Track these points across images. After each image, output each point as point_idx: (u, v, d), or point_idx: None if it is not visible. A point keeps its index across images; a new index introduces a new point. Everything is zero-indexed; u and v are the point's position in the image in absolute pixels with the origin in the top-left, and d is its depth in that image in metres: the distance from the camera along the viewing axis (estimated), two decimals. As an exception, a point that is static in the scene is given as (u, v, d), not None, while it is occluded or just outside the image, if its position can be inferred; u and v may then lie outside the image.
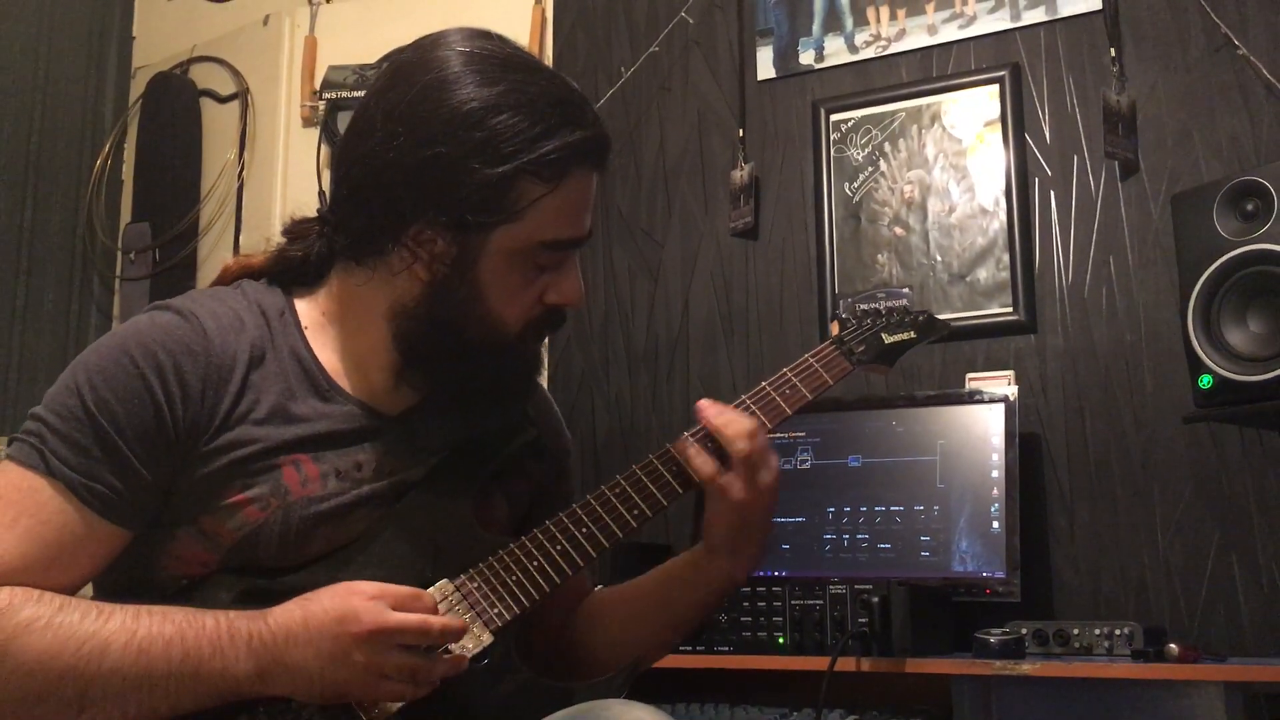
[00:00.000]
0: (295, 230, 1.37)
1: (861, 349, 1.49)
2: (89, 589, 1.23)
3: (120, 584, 1.23)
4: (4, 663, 1.11)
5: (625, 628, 1.44)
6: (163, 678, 1.13)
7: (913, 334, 1.56)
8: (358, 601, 1.16)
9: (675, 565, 1.42)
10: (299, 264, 1.34)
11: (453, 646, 1.23)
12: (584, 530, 1.30)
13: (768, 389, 1.40)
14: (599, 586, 1.54)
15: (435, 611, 1.20)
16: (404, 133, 1.23)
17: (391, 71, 1.30)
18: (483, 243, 1.24)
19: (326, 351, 1.31)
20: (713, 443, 1.31)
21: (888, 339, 1.53)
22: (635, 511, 1.31)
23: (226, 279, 1.37)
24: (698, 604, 1.41)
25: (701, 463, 1.30)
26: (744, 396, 1.40)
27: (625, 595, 1.47)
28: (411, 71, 1.27)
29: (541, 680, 1.29)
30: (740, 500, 1.30)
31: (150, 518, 1.22)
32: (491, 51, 1.27)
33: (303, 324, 1.32)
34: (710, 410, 1.33)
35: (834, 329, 1.52)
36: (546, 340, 1.39)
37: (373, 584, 1.18)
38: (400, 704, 1.19)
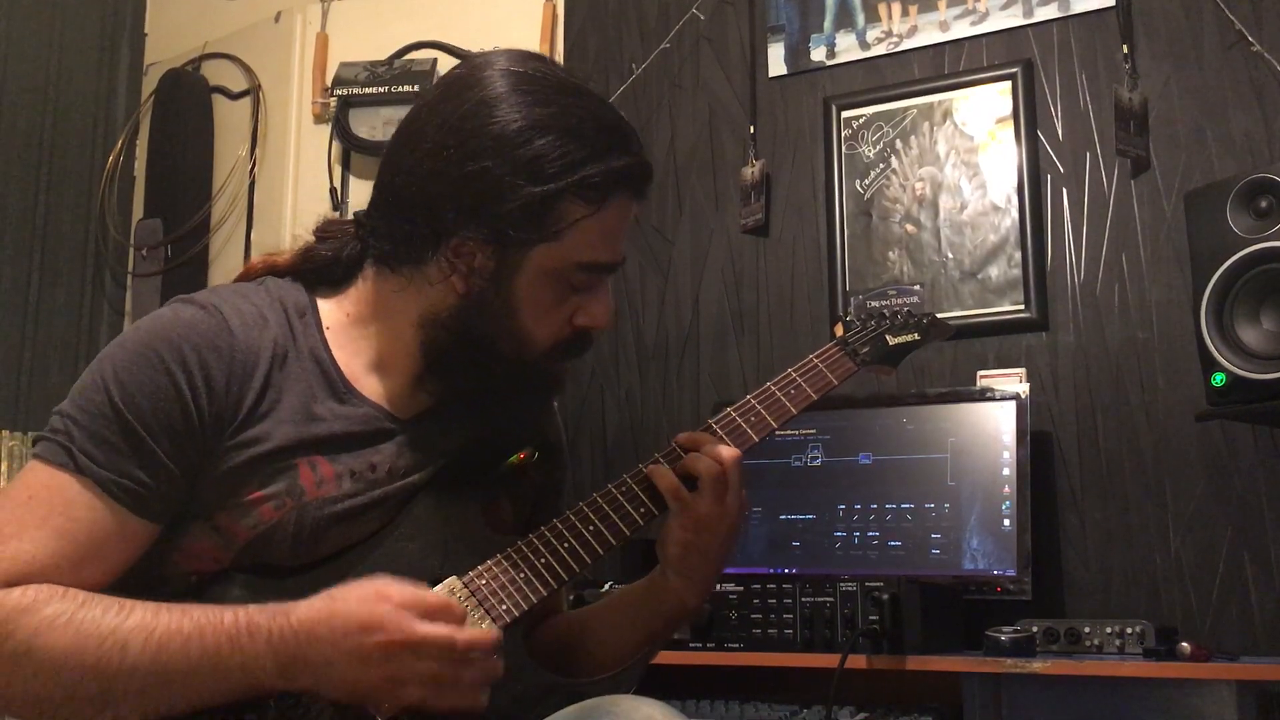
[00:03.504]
0: (327, 230, 1.38)
1: (866, 350, 1.51)
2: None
3: (131, 579, 1.23)
4: (28, 660, 1.11)
5: (581, 648, 1.43)
6: (182, 673, 1.13)
7: (916, 336, 1.57)
8: (385, 609, 1.15)
9: (632, 588, 1.43)
10: (327, 264, 1.35)
11: None
12: (591, 528, 1.31)
13: (773, 389, 1.42)
14: (609, 585, 1.54)
15: (464, 621, 1.19)
16: (453, 146, 1.25)
17: (444, 86, 1.32)
18: (521, 259, 1.26)
19: (346, 354, 1.32)
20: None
21: (892, 340, 1.54)
22: (642, 510, 1.32)
23: (250, 276, 1.37)
24: (647, 628, 1.39)
25: (660, 475, 1.32)
26: (749, 397, 1.42)
27: (582, 618, 1.47)
28: (464, 88, 1.28)
29: (550, 676, 1.29)
30: (699, 516, 1.32)
31: (177, 511, 1.22)
32: (543, 74, 1.29)
33: (324, 325, 1.32)
34: (688, 442, 1.35)
35: (838, 330, 1.53)
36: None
37: (403, 591, 1.17)
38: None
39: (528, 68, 1.29)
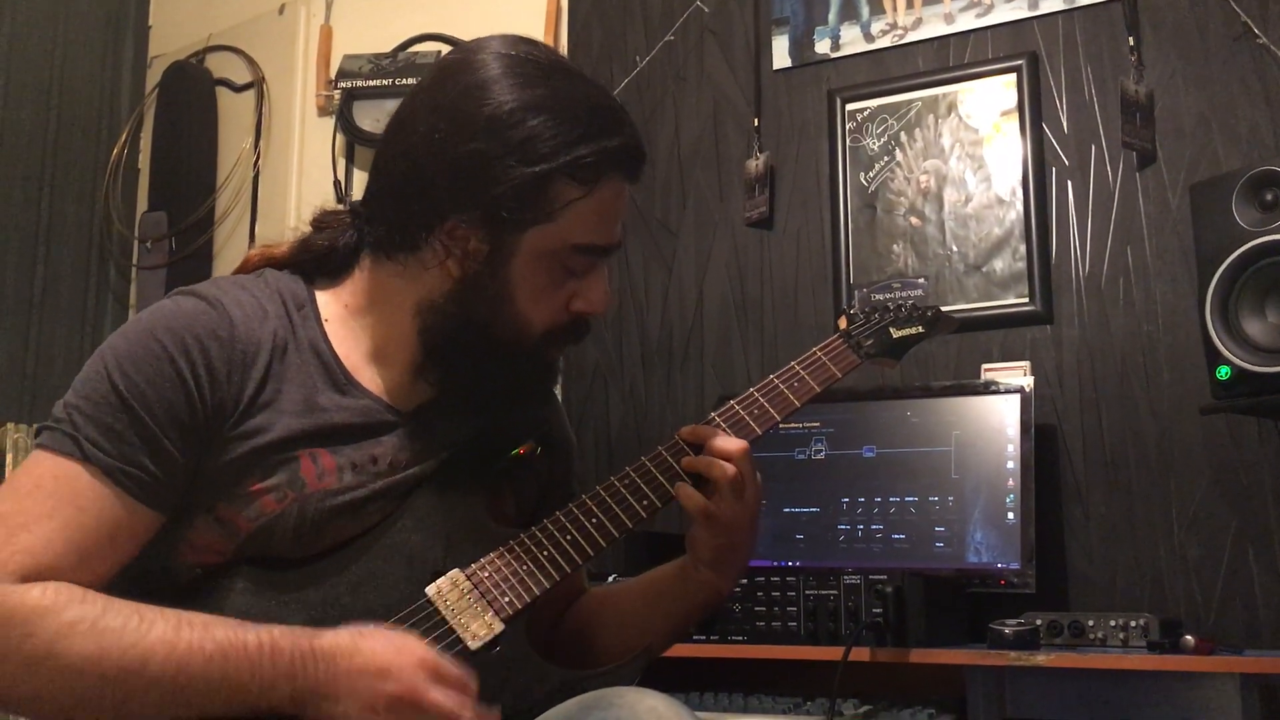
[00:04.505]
0: (323, 221, 1.39)
1: (869, 343, 1.51)
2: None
3: (136, 572, 1.23)
4: (49, 663, 1.11)
5: (613, 631, 1.45)
6: (199, 693, 1.12)
7: (920, 329, 1.57)
8: (404, 661, 1.15)
9: (661, 575, 1.44)
10: (324, 254, 1.36)
11: (464, 634, 1.23)
12: (594, 520, 1.31)
13: (775, 381, 1.42)
14: (613, 577, 1.55)
15: (475, 697, 1.19)
16: (445, 129, 1.25)
17: (436, 71, 1.33)
18: (516, 242, 1.26)
19: (345, 345, 1.32)
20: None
21: (895, 333, 1.54)
22: (645, 502, 1.32)
23: (249, 268, 1.38)
24: (681, 615, 1.42)
25: (687, 496, 1.33)
26: (752, 389, 1.42)
27: (613, 600, 1.49)
28: (455, 72, 1.29)
29: (553, 668, 1.29)
30: (726, 521, 1.33)
31: (181, 501, 1.22)
32: (534, 57, 1.30)
33: (323, 316, 1.33)
34: (691, 436, 1.36)
35: (842, 323, 1.53)
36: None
37: (428, 653, 1.17)
38: None
39: (519, 51, 1.29)
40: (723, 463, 1.32)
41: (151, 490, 1.19)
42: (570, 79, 1.29)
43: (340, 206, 1.40)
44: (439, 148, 1.25)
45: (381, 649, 1.16)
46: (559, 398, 1.56)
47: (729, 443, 1.34)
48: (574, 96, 1.27)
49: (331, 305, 1.34)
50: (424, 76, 1.35)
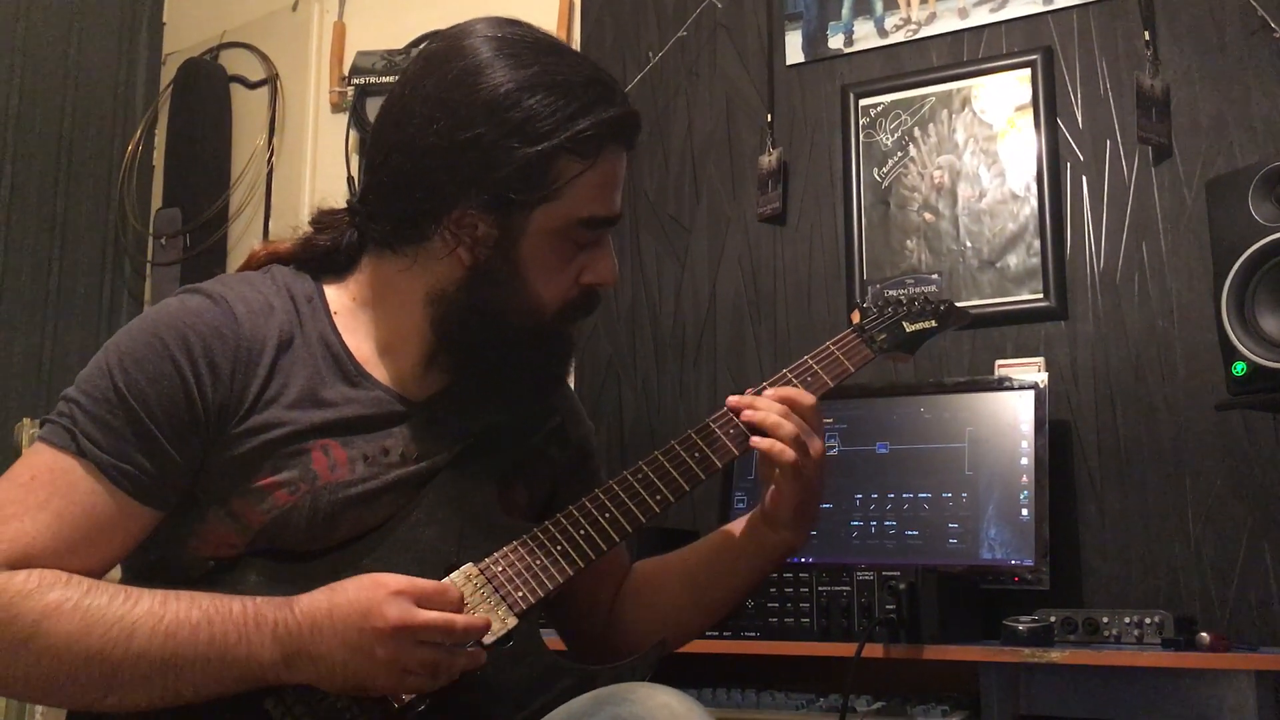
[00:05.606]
0: (322, 220, 1.39)
1: (883, 337, 1.51)
2: (116, 570, 1.24)
3: (148, 565, 1.24)
4: (32, 644, 1.12)
5: (677, 598, 1.46)
6: (188, 661, 1.13)
7: (933, 323, 1.57)
8: (383, 595, 1.16)
9: (729, 539, 1.46)
10: (327, 253, 1.36)
11: None
12: (608, 515, 1.31)
13: (789, 376, 1.42)
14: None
15: (461, 606, 1.21)
16: (442, 117, 1.25)
17: (424, 61, 1.32)
18: (524, 222, 1.26)
19: (355, 338, 1.32)
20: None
21: (909, 327, 1.54)
22: (659, 497, 1.33)
23: (254, 264, 1.38)
24: (757, 573, 1.45)
25: (770, 445, 1.35)
26: (765, 384, 1.41)
27: (676, 566, 1.50)
28: (445, 59, 1.29)
29: (566, 663, 1.29)
30: (809, 476, 1.36)
31: (180, 499, 1.23)
32: (520, 36, 1.30)
33: (331, 310, 1.33)
34: (758, 399, 1.38)
35: (855, 317, 1.53)
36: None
37: (400, 578, 1.18)
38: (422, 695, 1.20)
39: (506, 32, 1.30)
40: (796, 422, 1.35)
41: (145, 487, 1.19)
42: (559, 55, 1.30)
43: (338, 206, 1.40)
44: (438, 138, 1.25)
45: (355, 593, 1.16)
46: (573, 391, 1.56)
47: (800, 399, 1.37)
48: (566, 71, 1.27)
49: (339, 299, 1.34)
50: (409, 68, 1.34)
